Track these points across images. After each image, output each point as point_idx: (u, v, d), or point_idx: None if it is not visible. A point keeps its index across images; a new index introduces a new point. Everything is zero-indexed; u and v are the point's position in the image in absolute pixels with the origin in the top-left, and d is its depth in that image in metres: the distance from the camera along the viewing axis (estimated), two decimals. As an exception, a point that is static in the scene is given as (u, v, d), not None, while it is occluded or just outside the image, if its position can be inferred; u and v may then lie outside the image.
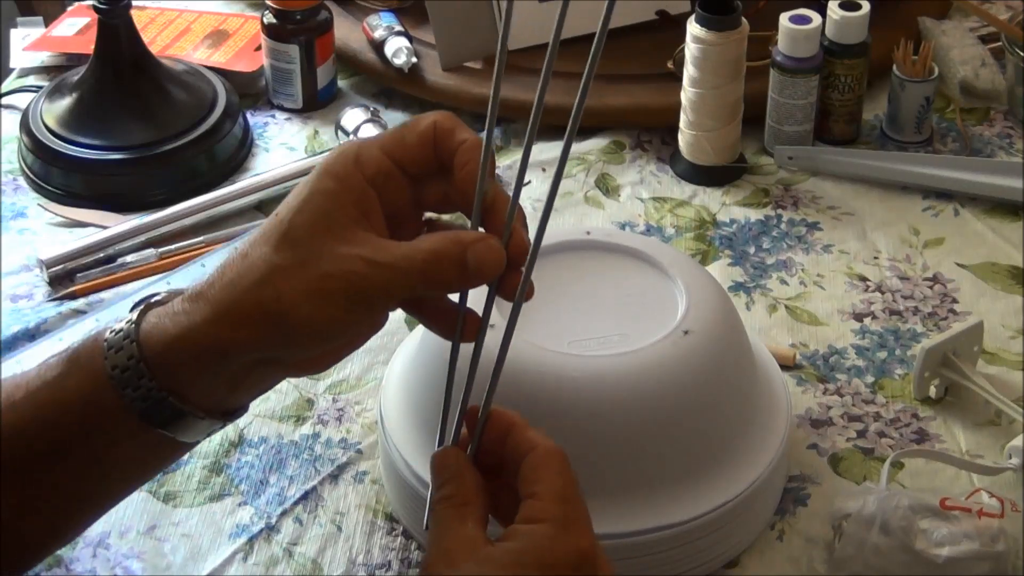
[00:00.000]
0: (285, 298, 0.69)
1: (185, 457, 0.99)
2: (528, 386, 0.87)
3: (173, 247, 1.19)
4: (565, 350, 0.89)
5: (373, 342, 1.09)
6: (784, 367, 1.04)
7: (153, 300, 0.74)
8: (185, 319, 0.71)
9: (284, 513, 0.96)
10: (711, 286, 0.95)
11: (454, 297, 0.74)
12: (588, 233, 0.97)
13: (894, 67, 1.27)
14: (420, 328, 1.05)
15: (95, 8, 1.24)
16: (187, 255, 1.18)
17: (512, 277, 0.72)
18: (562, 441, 0.87)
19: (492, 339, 0.74)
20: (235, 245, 0.73)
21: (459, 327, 0.73)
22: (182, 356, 0.71)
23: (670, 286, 0.93)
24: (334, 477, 0.99)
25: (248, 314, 0.70)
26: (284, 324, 0.69)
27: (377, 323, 0.74)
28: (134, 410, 0.71)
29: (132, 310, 0.74)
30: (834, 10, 1.24)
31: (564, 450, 0.71)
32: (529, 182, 1.26)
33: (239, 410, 0.76)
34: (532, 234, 0.73)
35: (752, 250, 1.18)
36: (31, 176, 1.26)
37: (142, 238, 1.19)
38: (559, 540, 0.67)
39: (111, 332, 0.72)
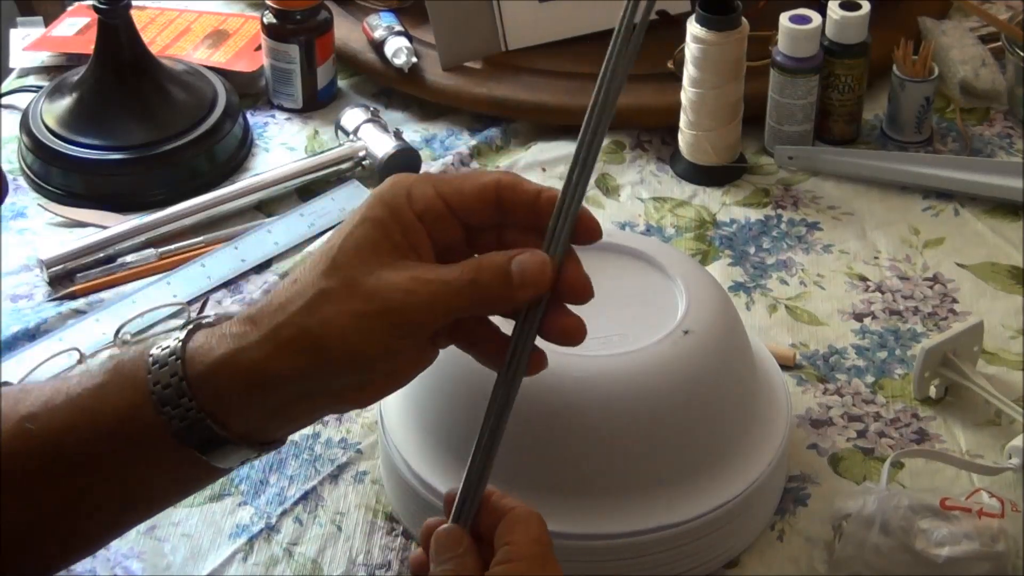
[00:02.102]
0: (331, 323, 0.69)
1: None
2: (528, 386, 0.87)
3: (173, 247, 1.19)
4: (565, 350, 0.88)
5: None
6: (784, 367, 1.04)
7: (204, 321, 0.73)
8: (232, 342, 0.70)
9: (284, 513, 0.96)
10: (711, 286, 0.94)
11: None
12: None
13: (894, 67, 1.27)
14: None
15: (95, 8, 1.24)
16: (187, 255, 1.18)
17: (560, 317, 0.72)
18: (562, 441, 0.87)
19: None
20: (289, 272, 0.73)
21: (510, 358, 0.72)
22: (225, 379, 0.70)
23: (670, 286, 0.93)
24: (334, 477, 0.99)
25: (294, 340, 0.69)
26: (329, 350, 0.69)
27: (424, 353, 0.73)
28: (171, 429, 0.70)
29: (182, 329, 0.73)
30: (834, 10, 1.24)
31: (540, 514, 0.71)
32: (529, 182, 1.26)
33: (276, 441, 0.75)
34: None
35: (752, 250, 1.18)
36: (31, 176, 1.26)
37: (142, 238, 1.19)
38: (536, 573, 0.68)
39: (158, 348, 0.72)
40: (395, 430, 0.93)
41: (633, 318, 0.92)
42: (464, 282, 0.70)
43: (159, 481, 0.74)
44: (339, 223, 0.74)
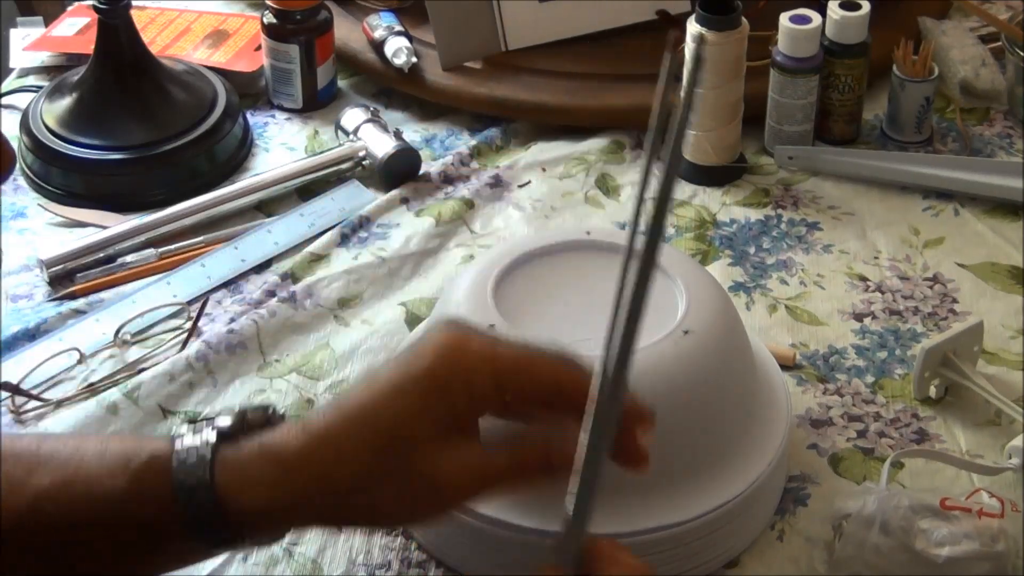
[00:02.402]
0: (378, 505, 0.73)
1: (185, 457, 1.00)
2: None
3: (173, 247, 1.19)
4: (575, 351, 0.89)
5: (375, 342, 1.09)
6: (784, 367, 1.04)
7: (219, 426, 0.74)
8: (268, 493, 0.72)
9: (284, 513, 0.96)
10: (711, 286, 0.95)
11: None
12: (588, 233, 0.98)
13: (894, 67, 1.27)
14: (419, 328, 1.05)
15: (95, 8, 1.24)
16: (187, 255, 1.18)
17: (628, 443, 0.74)
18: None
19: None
20: (321, 418, 0.74)
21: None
22: (262, 524, 0.73)
23: (670, 286, 0.93)
24: (334, 477, 0.99)
25: (341, 511, 0.74)
26: (377, 523, 0.80)
27: None
28: (197, 539, 0.72)
29: (196, 430, 0.74)
30: (834, 10, 1.24)
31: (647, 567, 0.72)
32: (529, 182, 1.26)
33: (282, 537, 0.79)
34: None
35: (752, 250, 1.18)
36: (31, 176, 1.26)
37: (142, 238, 1.19)
38: None
39: (182, 467, 0.72)
40: None
41: None
42: (506, 469, 0.74)
43: (165, 564, 0.75)
44: (387, 366, 0.75)
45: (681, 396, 0.88)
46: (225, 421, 0.74)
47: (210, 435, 0.73)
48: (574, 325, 0.91)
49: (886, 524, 0.87)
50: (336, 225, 1.20)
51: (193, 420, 0.75)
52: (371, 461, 0.72)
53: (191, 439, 0.73)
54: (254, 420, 0.75)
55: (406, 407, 0.72)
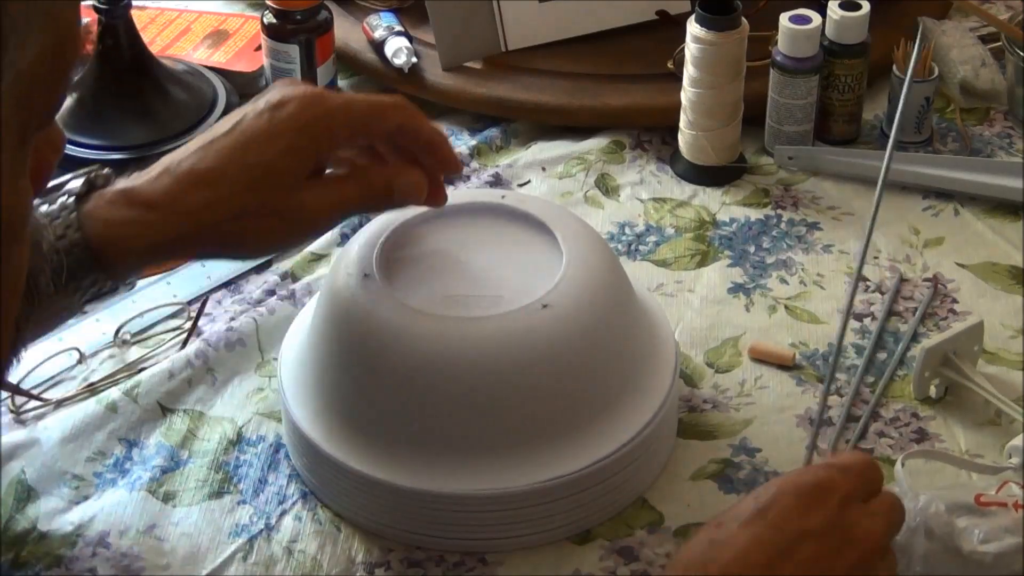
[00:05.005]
0: (249, 233, 0.84)
1: (184, 456, 0.99)
2: (394, 341, 0.90)
3: (173, 247, 1.19)
4: (433, 307, 0.91)
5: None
6: (783, 367, 1.04)
7: (71, 190, 0.79)
8: (134, 229, 0.81)
9: (284, 512, 0.96)
10: (597, 263, 0.95)
11: None
12: (503, 197, 1.01)
13: (894, 67, 1.27)
14: (311, 305, 1.04)
15: (95, 8, 1.24)
16: (187, 255, 1.18)
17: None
18: (406, 395, 0.90)
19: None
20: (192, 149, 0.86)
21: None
22: (131, 260, 0.83)
23: (559, 258, 0.94)
24: (334, 477, 0.99)
25: (216, 243, 0.85)
26: (242, 250, 0.90)
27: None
28: (70, 295, 0.79)
29: (50, 202, 0.80)
30: (834, 10, 1.24)
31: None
32: (528, 181, 1.26)
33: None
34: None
35: (752, 250, 1.18)
36: (31, 176, 1.26)
37: (142, 238, 1.19)
38: None
39: (51, 233, 0.77)
40: (296, 406, 0.96)
41: (516, 285, 0.93)
42: (357, 198, 0.88)
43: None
44: (246, 118, 0.86)
45: (535, 367, 0.90)
46: (76, 184, 0.81)
47: (66, 200, 0.80)
48: (457, 283, 0.93)
49: (929, 530, 0.86)
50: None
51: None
52: (245, 198, 0.83)
53: (46, 208, 0.79)
54: (98, 180, 0.82)
55: (277, 149, 0.84)
